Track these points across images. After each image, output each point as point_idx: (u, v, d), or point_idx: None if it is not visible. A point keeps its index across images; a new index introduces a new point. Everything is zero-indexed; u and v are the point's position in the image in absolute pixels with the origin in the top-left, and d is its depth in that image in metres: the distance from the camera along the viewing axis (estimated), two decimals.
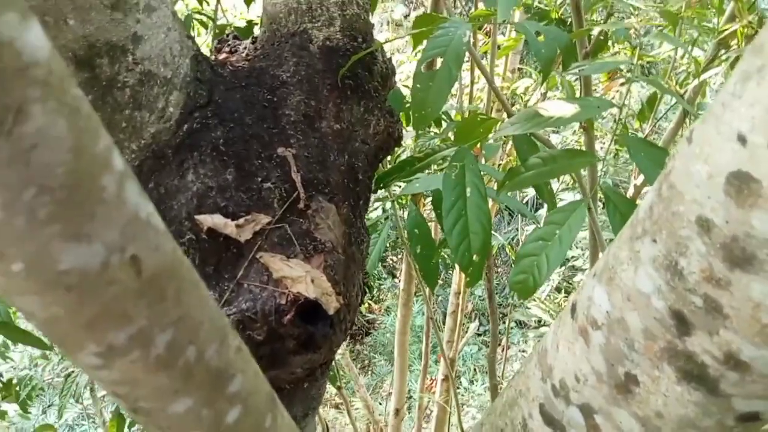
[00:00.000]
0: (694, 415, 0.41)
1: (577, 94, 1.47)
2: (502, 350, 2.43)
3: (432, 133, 1.20)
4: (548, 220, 0.61)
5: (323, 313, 0.70)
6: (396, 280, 4.21)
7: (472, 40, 1.50)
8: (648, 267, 0.40)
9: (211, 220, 0.63)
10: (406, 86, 1.34)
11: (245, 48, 0.78)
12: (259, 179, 0.65)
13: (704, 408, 0.40)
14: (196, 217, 0.61)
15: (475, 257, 0.68)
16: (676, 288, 0.38)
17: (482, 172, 0.74)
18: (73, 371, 1.56)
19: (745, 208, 0.33)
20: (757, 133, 0.33)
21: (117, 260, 0.18)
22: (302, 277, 0.67)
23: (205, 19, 1.65)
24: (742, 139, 0.33)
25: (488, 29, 1.91)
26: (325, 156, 0.70)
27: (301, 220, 0.68)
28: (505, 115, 0.86)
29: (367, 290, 0.91)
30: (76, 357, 0.20)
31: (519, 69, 2.27)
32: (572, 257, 3.38)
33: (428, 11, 1.56)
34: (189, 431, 0.25)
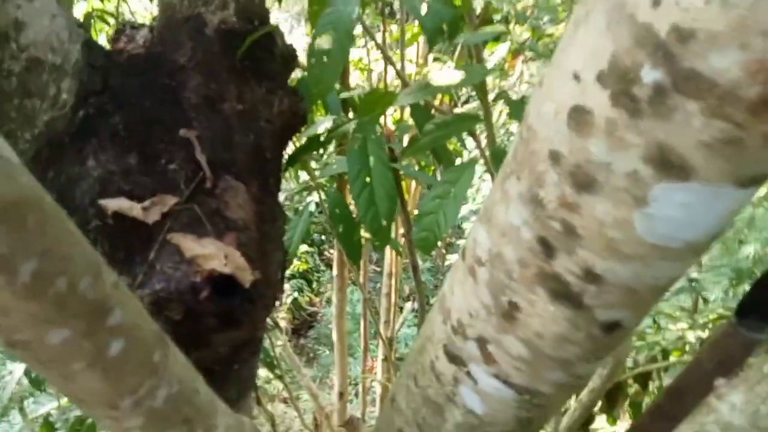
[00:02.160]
0: (566, 330, 0.45)
1: None
2: None
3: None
4: (443, 180, 0.65)
5: (241, 290, 0.71)
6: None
7: (381, 27, 1.54)
8: (516, 203, 0.44)
9: (115, 203, 0.63)
10: None
11: (142, 36, 0.78)
12: (163, 161, 0.66)
13: (573, 322, 0.45)
14: (100, 201, 0.61)
15: (383, 222, 0.72)
16: (539, 217, 0.43)
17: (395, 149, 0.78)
18: None
19: (583, 137, 0.38)
20: (587, 70, 0.37)
21: None
22: (215, 255, 0.68)
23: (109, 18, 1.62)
24: (576, 77, 0.38)
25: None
26: (229, 136, 0.71)
27: (209, 199, 0.69)
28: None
29: (286, 268, 0.93)
30: None
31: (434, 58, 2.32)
32: None
33: None
34: (70, 363, 0.27)
